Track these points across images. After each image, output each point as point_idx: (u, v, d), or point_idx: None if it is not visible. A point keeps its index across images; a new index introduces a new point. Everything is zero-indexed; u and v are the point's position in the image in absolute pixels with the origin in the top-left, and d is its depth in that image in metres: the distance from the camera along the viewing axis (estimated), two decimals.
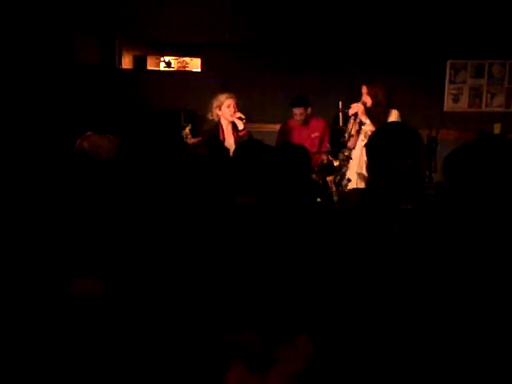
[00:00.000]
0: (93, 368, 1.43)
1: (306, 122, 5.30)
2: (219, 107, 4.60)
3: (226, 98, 4.59)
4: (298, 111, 5.25)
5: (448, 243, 1.72)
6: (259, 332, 1.58)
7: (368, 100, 4.28)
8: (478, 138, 2.10)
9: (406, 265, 1.69)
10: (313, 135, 5.19)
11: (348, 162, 3.98)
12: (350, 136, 4.06)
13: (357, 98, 4.47)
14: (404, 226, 1.74)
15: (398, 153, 1.78)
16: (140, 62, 8.68)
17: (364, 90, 4.34)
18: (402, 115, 4.32)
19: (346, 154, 3.86)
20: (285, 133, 5.32)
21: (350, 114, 4.27)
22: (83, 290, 1.56)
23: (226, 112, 4.57)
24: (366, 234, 1.76)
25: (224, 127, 4.64)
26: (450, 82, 7.19)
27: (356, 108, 4.24)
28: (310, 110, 5.29)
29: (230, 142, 4.47)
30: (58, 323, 1.48)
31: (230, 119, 4.58)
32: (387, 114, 4.27)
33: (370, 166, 1.87)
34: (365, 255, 1.74)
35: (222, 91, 4.94)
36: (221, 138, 4.62)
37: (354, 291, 1.72)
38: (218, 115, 4.63)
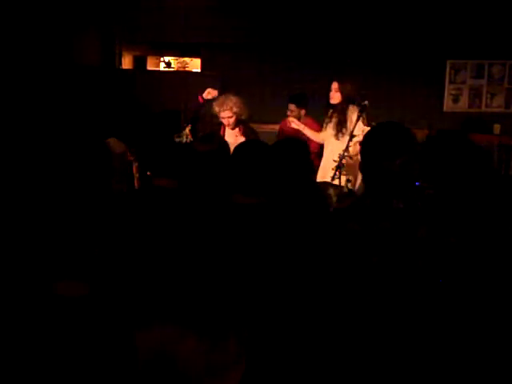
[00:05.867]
0: (78, 368, 1.43)
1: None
2: (222, 109, 4.26)
3: (222, 110, 4.23)
4: (289, 107, 5.32)
5: (439, 240, 1.74)
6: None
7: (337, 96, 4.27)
8: (435, 135, 2.14)
9: (397, 262, 1.71)
10: (301, 137, 5.04)
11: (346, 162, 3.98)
12: (353, 137, 4.05)
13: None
14: (395, 224, 1.76)
15: (388, 152, 1.80)
16: (140, 63, 8.71)
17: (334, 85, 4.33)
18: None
19: (345, 154, 3.86)
20: (280, 130, 5.37)
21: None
22: (69, 292, 1.56)
23: (225, 121, 4.29)
24: (358, 231, 1.78)
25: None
26: (450, 82, 7.20)
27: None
28: (303, 111, 5.29)
29: (229, 140, 4.27)
30: (42, 323, 1.48)
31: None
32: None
33: (362, 164, 1.89)
34: (356, 253, 1.75)
35: (223, 92, 4.81)
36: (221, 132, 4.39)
37: (344, 290, 1.74)
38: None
